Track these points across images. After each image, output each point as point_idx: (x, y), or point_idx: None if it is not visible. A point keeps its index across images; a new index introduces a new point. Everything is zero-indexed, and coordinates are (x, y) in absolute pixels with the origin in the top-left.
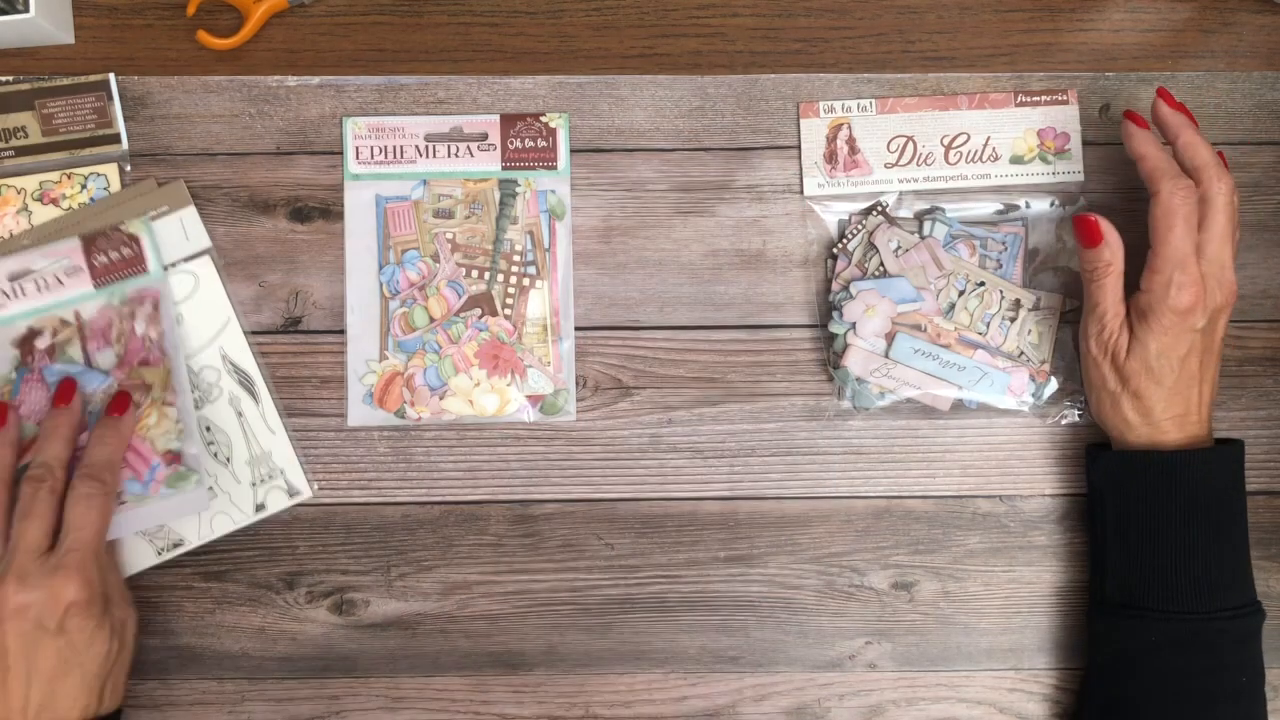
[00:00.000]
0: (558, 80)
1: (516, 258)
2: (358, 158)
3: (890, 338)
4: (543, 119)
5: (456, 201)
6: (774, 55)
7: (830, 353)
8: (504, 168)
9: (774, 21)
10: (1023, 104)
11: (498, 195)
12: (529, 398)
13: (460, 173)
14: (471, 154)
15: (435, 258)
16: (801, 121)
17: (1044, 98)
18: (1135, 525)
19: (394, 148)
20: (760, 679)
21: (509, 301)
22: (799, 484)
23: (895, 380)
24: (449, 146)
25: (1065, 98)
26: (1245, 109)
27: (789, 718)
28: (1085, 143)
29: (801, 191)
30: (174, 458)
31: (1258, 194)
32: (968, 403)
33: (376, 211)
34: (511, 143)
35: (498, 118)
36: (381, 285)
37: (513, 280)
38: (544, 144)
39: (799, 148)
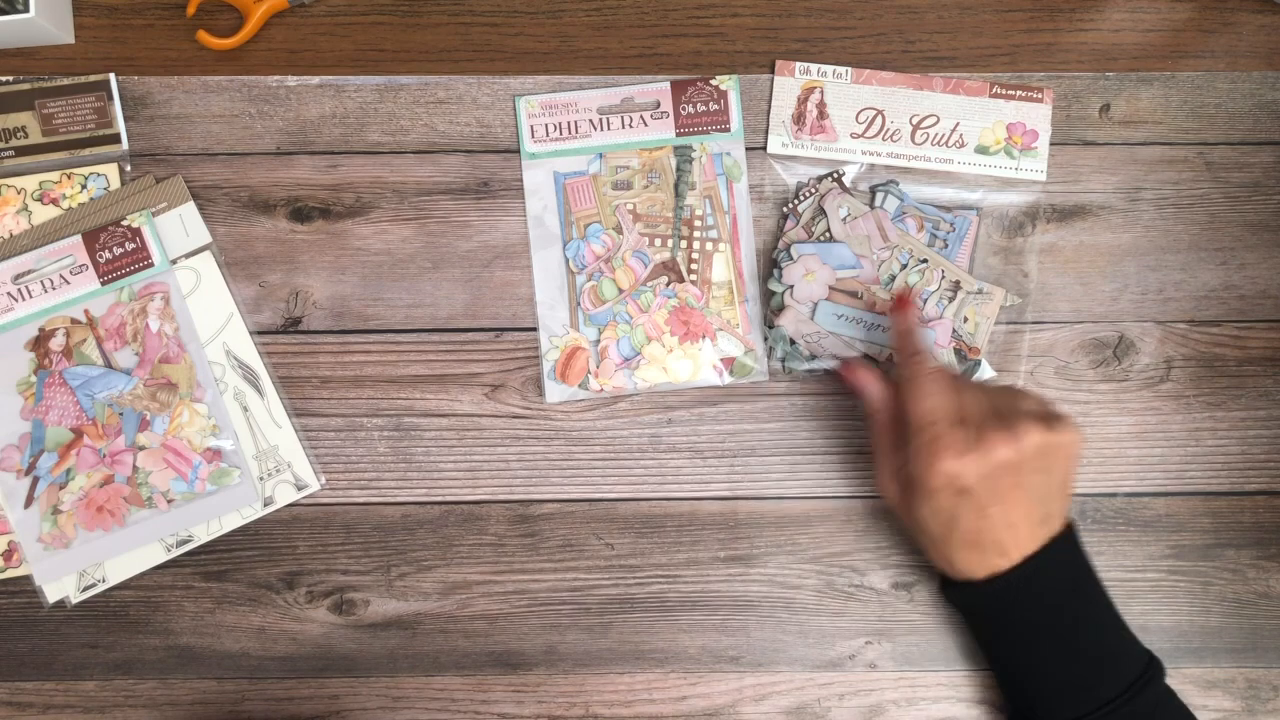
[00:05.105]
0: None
1: (697, 223)
2: (533, 136)
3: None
4: (713, 82)
5: (634, 172)
6: (774, 55)
7: (767, 310)
8: (678, 134)
9: (774, 21)
10: (997, 95)
11: (674, 162)
12: (721, 360)
13: (635, 143)
14: (645, 123)
15: (618, 229)
16: (775, 79)
17: (1019, 93)
18: (993, 650)
19: (568, 124)
20: (760, 679)
21: (694, 267)
22: (799, 484)
23: (824, 349)
24: (622, 118)
25: (1040, 96)
26: (1245, 109)
27: (789, 718)
28: (1053, 143)
29: (765, 148)
30: (214, 455)
31: (1258, 194)
32: (894, 374)
33: (556, 188)
34: (684, 108)
35: (668, 84)
36: (567, 261)
37: (696, 246)
38: (716, 107)
39: (769, 103)
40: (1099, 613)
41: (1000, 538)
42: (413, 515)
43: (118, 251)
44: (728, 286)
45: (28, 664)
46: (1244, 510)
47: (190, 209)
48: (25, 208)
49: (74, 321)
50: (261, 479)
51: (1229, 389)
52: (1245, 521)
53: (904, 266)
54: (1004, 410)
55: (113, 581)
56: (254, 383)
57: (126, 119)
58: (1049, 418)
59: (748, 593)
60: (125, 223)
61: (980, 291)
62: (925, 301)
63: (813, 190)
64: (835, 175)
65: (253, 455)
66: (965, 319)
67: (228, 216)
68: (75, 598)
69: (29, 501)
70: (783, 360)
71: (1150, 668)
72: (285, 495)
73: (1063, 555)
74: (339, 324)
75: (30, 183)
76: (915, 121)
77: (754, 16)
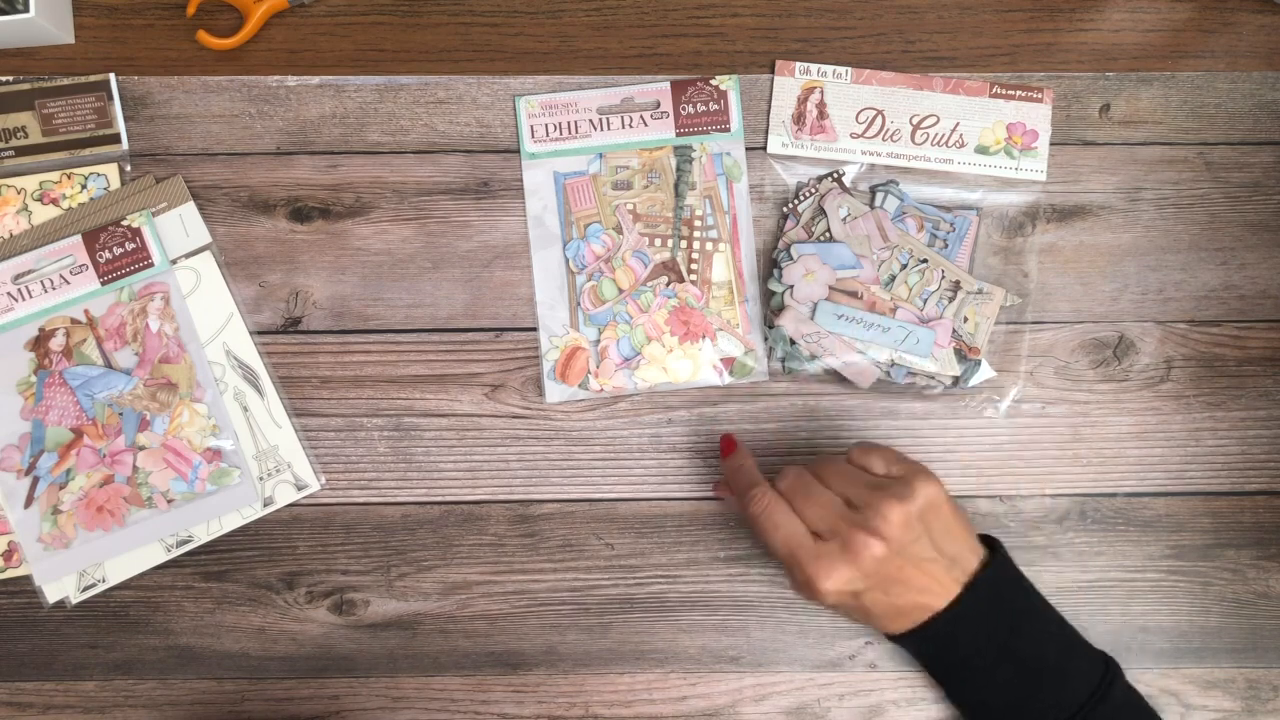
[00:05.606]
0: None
1: (697, 223)
2: (533, 136)
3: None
4: (713, 82)
5: (634, 172)
6: (774, 55)
7: (767, 310)
8: (678, 134)
9: (774, 21)
10: (997, 95)
11: (674, 162)
12: (721, 360)
13: (635, 143)
14: (645, 123)
15: (618, 229)
16: (775, 79)
17: (1019, 93)
18: (946, 688)
19: (568, 124)
20: (760, 679)
21: (694, 267)
22: None
23: (824, 349)
24: (622, 118)
25: (1040, 96)
26: (1245, 109)
27: (789, 718)
28: (1053, 143)
29: (765, 148)
30: (214, 455)
31: (1258, 194)
32: (894, 375)
33: (556, 188)
34: (684, 108)
35: (668, 84)
36: (567, 261)
37: (696, 246)
38: (716, 107)
39: (769, 103)
40: (1040, 629)
41: (917, 601)
42: (413, 515)
43: (118, 251)
44: (728, 286)
45: (28, 664)
46: (1244, 510)
47: (190, 209)
48: (25, 208)
49: (74, 321)
50: (261, 479)
51: (1229, 389)
52: (1245, 521)
53: (904, 266)
54: (857, 499)
55: (113, 581)
56: (254, 383)
57: (126, 119)
58: (900, 484)
59: (748, 593)
60: (125, 223)
61: (980, 291)
62: (925, 301)
63: (813, 190)
64: (835, 175)
65: (253, 455)
66: (965, 319)
67: (228, 216)
68: (75, 598)
69: (29, 501)
70: (783, 360)
71: (1105, 678)
72: (285, 495)
73: (987, 588)
74: (339, 324)
75: (30, 183)
76: (915, 121)
77: (754, 16)
